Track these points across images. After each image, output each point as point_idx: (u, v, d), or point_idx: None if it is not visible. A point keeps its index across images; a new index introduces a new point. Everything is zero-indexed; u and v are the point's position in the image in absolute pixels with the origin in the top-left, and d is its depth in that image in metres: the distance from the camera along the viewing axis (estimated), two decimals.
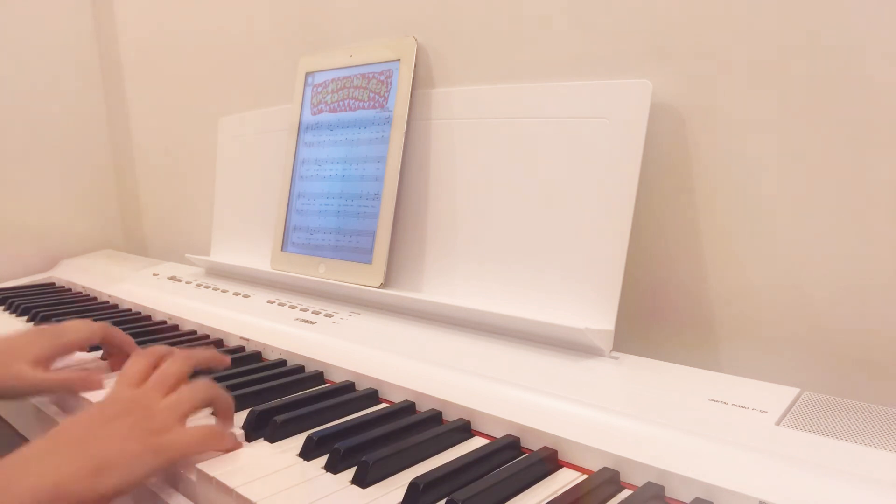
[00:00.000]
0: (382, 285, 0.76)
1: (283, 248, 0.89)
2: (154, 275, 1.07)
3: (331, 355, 0.65)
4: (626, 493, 0.42)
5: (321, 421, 0.53)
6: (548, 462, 0.45)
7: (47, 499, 0.39)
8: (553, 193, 0.64)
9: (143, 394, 0.49)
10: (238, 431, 0.52)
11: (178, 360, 0.53)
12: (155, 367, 0.53)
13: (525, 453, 0.48)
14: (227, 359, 0.61)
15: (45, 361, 0.62)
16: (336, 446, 0.46)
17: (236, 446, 0.49)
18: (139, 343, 0.73)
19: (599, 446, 0.45)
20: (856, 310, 0.54)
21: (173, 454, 0.45)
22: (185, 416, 0.49)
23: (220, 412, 0.52)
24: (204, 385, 0.51)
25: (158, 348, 0.56)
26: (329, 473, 0.45)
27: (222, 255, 1.04)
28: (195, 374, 0.56)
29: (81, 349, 0.67)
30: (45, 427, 0.62)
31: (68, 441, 0.43)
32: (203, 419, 0.54)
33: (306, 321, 0.74)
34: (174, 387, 0.51)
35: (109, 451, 0.43)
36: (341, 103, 0.85)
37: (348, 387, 0.61)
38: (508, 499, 0.42)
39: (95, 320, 0.83)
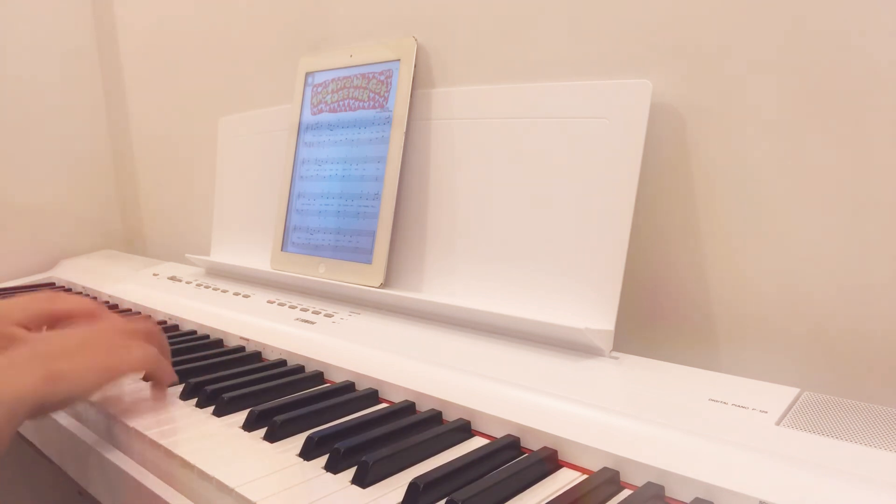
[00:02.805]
0: (382, 285, 0.76)
1: (283, 248, 0.89)
2: (154, 275, 1.07)
3: (331, 355, 0.65)
4: (626, 493, 0.42)
5: (321, 421, 0.53)
6: (548, 462, 0.45)
7: (8, 409, 0.44)
8: (553, 193, 0.64)
9: (105, 330, 0.56)
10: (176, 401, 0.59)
11: (154, 348, 0.58)
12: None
13: (525, 453, 0.48)
14: (175, 378, 0.62)
15: (35, 326, 0.63)
16: (336, 446, 0.46)
17: (173, 378, 0.59)
18: None
19: (599, 446, 0.45)
20: (856, 310, 0.54)
21: (119, 367, 0.52)
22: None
23: (158, 382, 0.60)
24: (157, 347, 0.58)
25: (154, 328, 0.61)
26: (329, 473, 0.45)
27: (222, 255, 1.04)
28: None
29: (71, 320, 0.67)
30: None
31: (29, 356, 0.49)
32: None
33: (306, 321, 0.74)
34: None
35: (62, 363, 0.49)
36: (341, 103, 0.85)
37: (348, 387, 0.61)
38: (508, 499, 0.42)
39: None
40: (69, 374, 0.49)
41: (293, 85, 0.91)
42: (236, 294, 0.88)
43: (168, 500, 0.46)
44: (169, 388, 0.62)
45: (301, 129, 0.90)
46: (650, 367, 0.55)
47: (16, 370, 0.47)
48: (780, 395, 0.48)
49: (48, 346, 0.51)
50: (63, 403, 0.49)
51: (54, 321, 0.64)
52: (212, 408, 0.57)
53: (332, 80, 0.86)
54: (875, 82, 0.51)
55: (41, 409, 0.48)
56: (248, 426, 0.53)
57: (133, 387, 0.62)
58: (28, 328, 0.62)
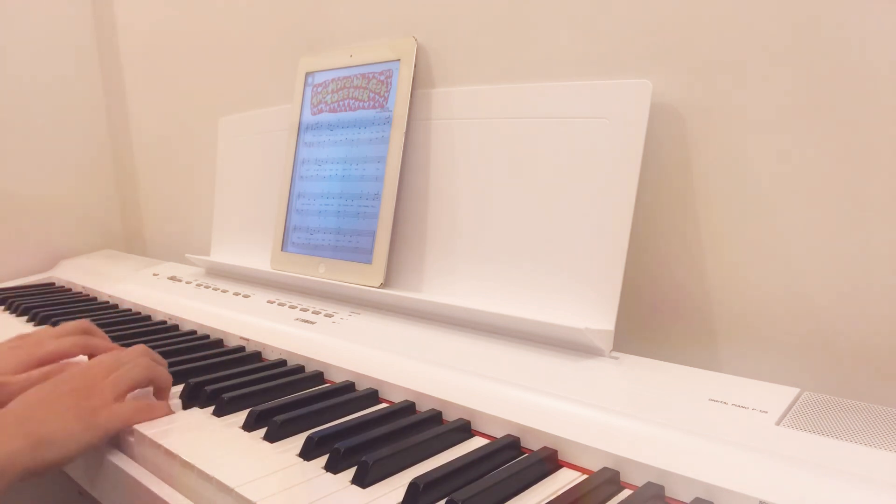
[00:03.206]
0: (382, 285, 0.76)
1: (283, 248, 0.89)
2: (154, 275, 1.07)
3: (331, 355, 0.65)
4: (626, 493, 0.42)
5: (321, 421, 0.53)
6: (548, 462, 0.45)
7: None
8: (553, 193, 0.64)
9: (88, 375, 0.55)
10: (176, 401, 0.59)
11: (140, 367, 0.57)
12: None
13: (525, 453, 0.48)
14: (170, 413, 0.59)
15: (24, 370, 0.61)
16: (336, 446, 0.46)
17: (167, 412, 0.56)
18: (140, 344, 0.73)
19: (599, 446, 0.45)
20: (856, 310, 0.54)
21: (108, 429, 0.51)
22: (123, 395, 0.54)
23: (159, 391, 0.59)
24: (144, 366, 0.57)
25: (138, 348, 0.60)
26: (329, 473, 0.45)
27: (222, 255, 1.04)
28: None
29: (62, 358, 0.65)
30: None
31: (15, 420, 0.48)
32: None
33: (306, 321, 0.74)
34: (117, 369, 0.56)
35: (49, 429, 0.48)
36: (341, 103, 0.85)
37: (348, 387, 0.61)
38: (508, 499, 0.42)
39: (95, 321, 0.84)
40: (55, 440, 0.48)
41: (293, 85, 0.91)
42: (236, 294, 0.88)
43: (168, 500, 0.46)
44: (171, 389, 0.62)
45: (301, 129, 0.90)
46: (650, 367, 0.55)
47: (4, 434, 0.47)
48: (780, 395, 0.48)
49: (33, 407, 0.50)
50: (51, 468, 0.48)
51: (44, 364, 0.62)
52: (212, 408, 0.57)
53: (332, 80, 0.86)
54: (875, 83, 0.51)
55: (29, 476, 0.47)
56: (248, 426, 0.53)
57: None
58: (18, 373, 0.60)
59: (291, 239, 0.89)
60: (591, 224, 0.61)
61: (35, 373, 0.60)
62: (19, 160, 1.33)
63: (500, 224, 0.68)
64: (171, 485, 0.48)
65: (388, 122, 0.78)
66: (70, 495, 0.94)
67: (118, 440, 0.55)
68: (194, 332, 0.81)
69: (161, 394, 0.59)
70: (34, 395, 0.51)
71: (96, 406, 0.52)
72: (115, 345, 0.68)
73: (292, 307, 0.79)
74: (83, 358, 0.67)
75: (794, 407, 0.47)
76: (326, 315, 0.75)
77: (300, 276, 0.83)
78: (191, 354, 0.71)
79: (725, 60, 0.58)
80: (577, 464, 0.46)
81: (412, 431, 0.51)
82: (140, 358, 0.58)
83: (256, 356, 0.71)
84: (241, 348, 0.73)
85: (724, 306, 0.61)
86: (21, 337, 0.65)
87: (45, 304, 1.00)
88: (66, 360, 0.63)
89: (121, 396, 0.54)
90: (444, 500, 0.39)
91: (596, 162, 0.61)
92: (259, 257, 0.96)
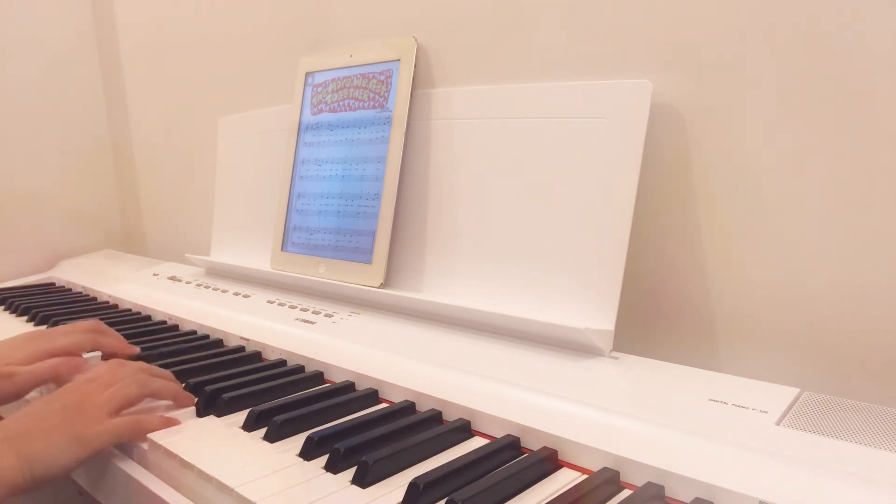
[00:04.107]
0: (382, 285, 0.76)
1: (283, 248, 0.89)
2: (154, 275, 1.07)
3: (331, 355, 0.65)
4: (626, 493, 0.42)
5: (321, 421, 0.53)
6: (548, 462, 0.45)
7: None
8: (553, 193, 0.64)
9: (81, 391, 0.54)
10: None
11: (135, 383, 0.56)
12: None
13: (525, 453, 0.48)
14: (191, 399, 0.59)
15: (35, 361, 0.63)
16: (336, 446, 0.46)
17: (159, 424, 0.53)
18: (139, 343, 0.73)
19: (599, 446, 0.45)
20: (856, 310, 0.54)
21: (96, 445, 0.50)
22: (116, 411, 0.53)
23: (177, 400, 0.58)
24: (140, 382, 0.56)
25: (135, 365, 0.59)
26: (329, 473, 0.45)
27: (222, 255, 1.04)
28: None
29: (72, 354, 0.66)
30: None
31: (4, 438, 0.48)
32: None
33: (306, 321, 0.74)
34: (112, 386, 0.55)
35: (38, 446, 0.48)
36: (341, 103, 0.85)
37: (348, 387, 0.61)
38: (508, 499, 0.42)
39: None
40: (44, 458, 0.48)
41: (293, 85, 0.91)
42: (236, 294, 0.88)
43: (168, 500, 0.46)
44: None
45: (301, 129, 0.90)
46: (650, 367, 0.55)
47: None
48: (780, 395, 0.48)
49: (23, 425, 0.50)
50: (40, 486, 0.48)
51: (53, 357, 0.64)
52: (212, 408, 0.57)
53: (332, 80, 0.86)
54: (875, 83, 0.51)
55: (18, 492, 0.47)
56: (248, 426, 0.53)
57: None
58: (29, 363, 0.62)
59: (291, 239, 0.89)
60: (591, 224, 0.61)
61: (41, 365, 0.61)
62: (19, 160, 1.33)
63: (500, 224, 0.68)
64: (170, 485, 0.48)
65: (388, 122, 0.78)
66: (70, 495, 0.94)
67: None
68: (194, 332, 0.81)
69: (178, 402, 0.58)
70: (25, 414, 0.51)
71: (87, 422, 0.51)
72: (125, 343, 0.70)
73: (292, 307, 0.79)
74: (97, 356, 0.69)
75: (794, 407, 0.47)
76: (326, 315, 0.75)
77: (300, 276, 0.83)
78: (191, 354, 0.71)
79: (725, 60, 0.58)
80: (577, 464, 0.46)
81: (412, 431, 0.51)
82: (136, 374, 0.57)
83: (256, 356, 0.71)
84: (241, 348, 0.73)
85: (725, 306, 0.61)
86: (33, 333, 0.67)
87: (45, 304, 0.99)
88: (73, 357, 0.64)
89: (113, 413, 0.53)
90: (444, 500, 0.39)
91: (596, 162, 0.61)
92: (259, 257, 0.96)
